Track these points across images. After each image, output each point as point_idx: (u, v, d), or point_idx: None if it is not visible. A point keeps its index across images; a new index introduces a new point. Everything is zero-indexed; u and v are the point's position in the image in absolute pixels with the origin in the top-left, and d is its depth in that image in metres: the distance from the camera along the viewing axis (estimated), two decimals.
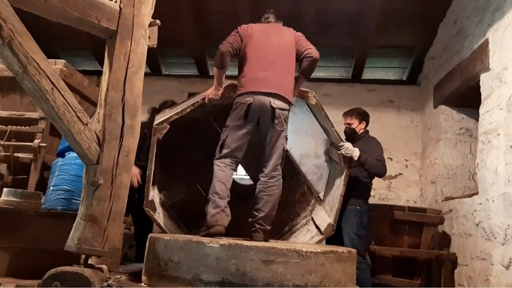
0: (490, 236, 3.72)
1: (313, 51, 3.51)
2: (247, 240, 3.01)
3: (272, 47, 3.43)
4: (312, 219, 4.01)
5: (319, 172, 4.22)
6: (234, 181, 4.69)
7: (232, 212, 3.21)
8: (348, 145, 3.72)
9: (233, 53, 3.41)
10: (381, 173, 4.00)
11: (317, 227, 3.82)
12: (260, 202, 3.27)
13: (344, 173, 3.64)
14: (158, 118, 3.55)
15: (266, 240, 3.19)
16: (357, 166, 3.87)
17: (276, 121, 3.29)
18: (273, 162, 3.33)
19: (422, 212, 4.52)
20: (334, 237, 3.74)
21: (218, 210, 3.16)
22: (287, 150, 3.67)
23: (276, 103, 3.28)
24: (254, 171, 3.90)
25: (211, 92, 3.52)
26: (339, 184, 3.67)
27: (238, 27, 3.50)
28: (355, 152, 3.72)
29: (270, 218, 3.27)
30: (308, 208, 4.20)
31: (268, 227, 3.25)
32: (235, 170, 3.47)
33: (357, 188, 3.93)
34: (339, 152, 3.71)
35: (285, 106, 3.34)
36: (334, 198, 3.71)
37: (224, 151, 3.34)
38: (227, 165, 3.33)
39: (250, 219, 3.25)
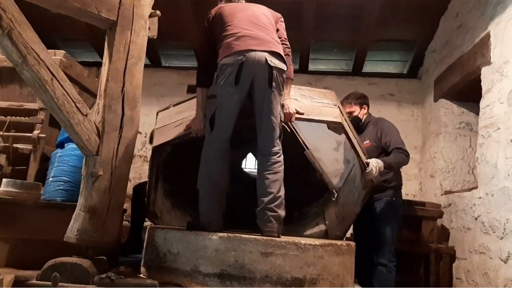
0: (489, 230, 3.73)
1: (289, 49, 3.06)
2: (257, 234, 2.74)
3: (251, 12, 2.98)
4: (323, 211, 3.91)
5: (340, 169, 3.96)
6: (242, 171, 4.58)
7: (239, 203, 2.97)
8: (372, 167, 3.27)
9: (213, 55, 2.95)
10: (406, 162, 3.68)
11: (325, 225, 3.74)
12: (265, 184, 2.77)
13: (363, 196, 3.36)
14: (158, 136, 3.17)
15: (279, 233, 2.70)
16: (381, 154, 3.64)
17: (273, 84, 2.78)
18: (273, 136, 2.84)
19: (421, 206, 4.51)
20: (361, 228, 3.68)
21: (209, 220, 2.77)
22: (302, 141, 3.46)
23: (274, 61, 2.78)
24: None
25: (196, 125, 2.97)
26: (356, 201, 3.42)
27: (208, 14, 3.08)
28: (380, 165, 3.38)
29: (281, 202, 2.77)
30: (321, 198, 3.98)
31: (282, 213, 2.76)
32: (229, 157, 2.96)
33: (388, 178, 3.70)
34: (363, 175, 3.35)
35: (283, 66, 2.85)
36: (348, 210, 3.51)
37: (215, 128, 2.82)
38: (221, 150, 2.86)
39: (257, 209, 2.76)
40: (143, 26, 2.91)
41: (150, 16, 2.97)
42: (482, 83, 4.12)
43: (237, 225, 3.26)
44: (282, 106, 2.94)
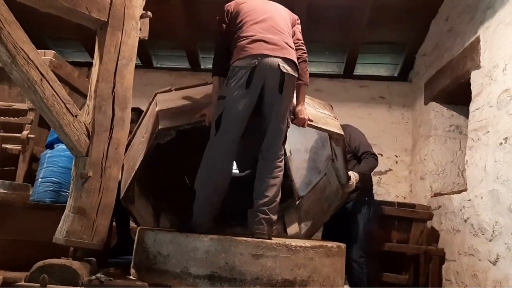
0: (478, 232, 3.76)
1: (306, 55, 3.06)
2: (247, 234, 2.79)
3: (269, 13, 2.95)
4: (283, 216, 3.91)
5: (305, 175, 4.11)
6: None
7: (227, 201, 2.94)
8: (353, 180, 3.52)
9: (229, 46, 2.94)
10: (377, 165, 3.88)
11: (284, 229, 3.79)
12: (262, 186, 2.79)
13: (336, 206, 3.49)
14: (163, 119, 3.01)
15: (270, 235, 2.72)
16: (351, 158, 3.80)
17: (284, 90, 2.77)
18: (279, 140, 2.86)
19: (411, 208, 4.54)
20: (332, 226, 3.77)
21: (201, 222, 2.78)
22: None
23: (286, 67, 2.77)
24: (246, 159, 3.35)
25: (211, 113, 2.89)
26: (326, 210, 3.51)
27: (225, 7, 3.04)
28: (357, 177, 3.58)
29: (276, 206, 2.81)
30: (283, 204, 3.89)
31: (274, 217, 2.79)
32: (233, 160, 2.97)
33: (362, 180, 3.78)
34: (344, 187, 3.50)
35: (295, 73, 2.85)
36: (315, 218, 3.59)
37: (221, 130, 2.77)
38: (226, 153, 2.81)
39: (250, 209, 2.80)
40: (134, 27, 2.90)
41: (141, 17, 2.96)
42: (471, 87, 4.15)
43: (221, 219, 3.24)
44: (291, 112, 2.96)
